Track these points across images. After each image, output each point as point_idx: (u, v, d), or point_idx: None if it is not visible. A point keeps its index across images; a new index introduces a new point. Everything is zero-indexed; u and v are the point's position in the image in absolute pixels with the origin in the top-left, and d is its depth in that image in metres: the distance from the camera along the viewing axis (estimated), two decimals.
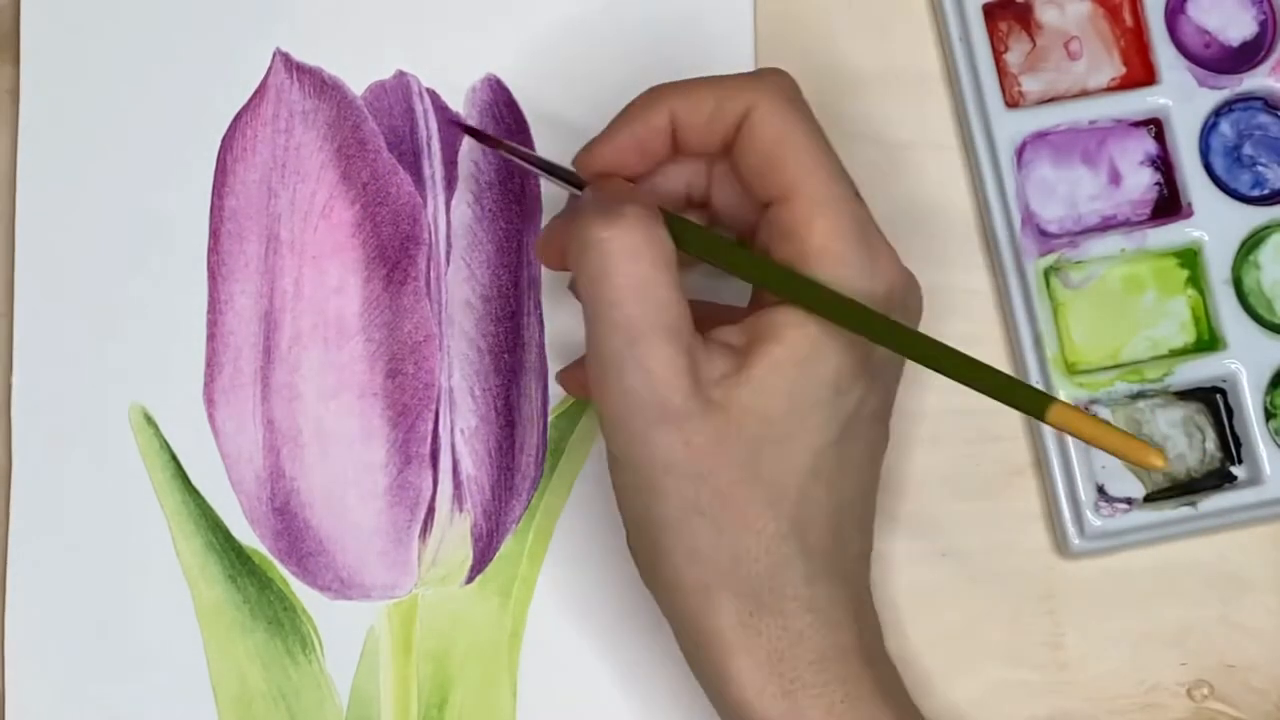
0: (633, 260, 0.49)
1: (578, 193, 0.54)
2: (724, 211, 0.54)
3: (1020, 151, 0.60)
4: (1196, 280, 0.60)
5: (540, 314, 0.60)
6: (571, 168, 0.54)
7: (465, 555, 0.59)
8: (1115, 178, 0.60)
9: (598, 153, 0.53)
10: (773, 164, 0.50)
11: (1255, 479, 0.58)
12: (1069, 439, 0.58)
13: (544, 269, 0.60)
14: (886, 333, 0.49)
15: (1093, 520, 0.58)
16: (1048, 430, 0.59)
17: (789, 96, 0.51)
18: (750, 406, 0.49)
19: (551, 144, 0.61)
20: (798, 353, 0.49)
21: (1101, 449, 0.46)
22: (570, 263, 0.50)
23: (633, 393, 0.49)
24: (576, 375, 0.58)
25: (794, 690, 0.49)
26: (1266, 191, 0.60)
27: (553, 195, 0.61)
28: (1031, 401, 0.47)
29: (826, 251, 0.50)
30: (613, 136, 0.52)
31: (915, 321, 0.53)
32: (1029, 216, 0.60)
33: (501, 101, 0.61)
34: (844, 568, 0.51)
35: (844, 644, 0.50)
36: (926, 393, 0.60)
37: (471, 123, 0.61)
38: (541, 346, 0.60)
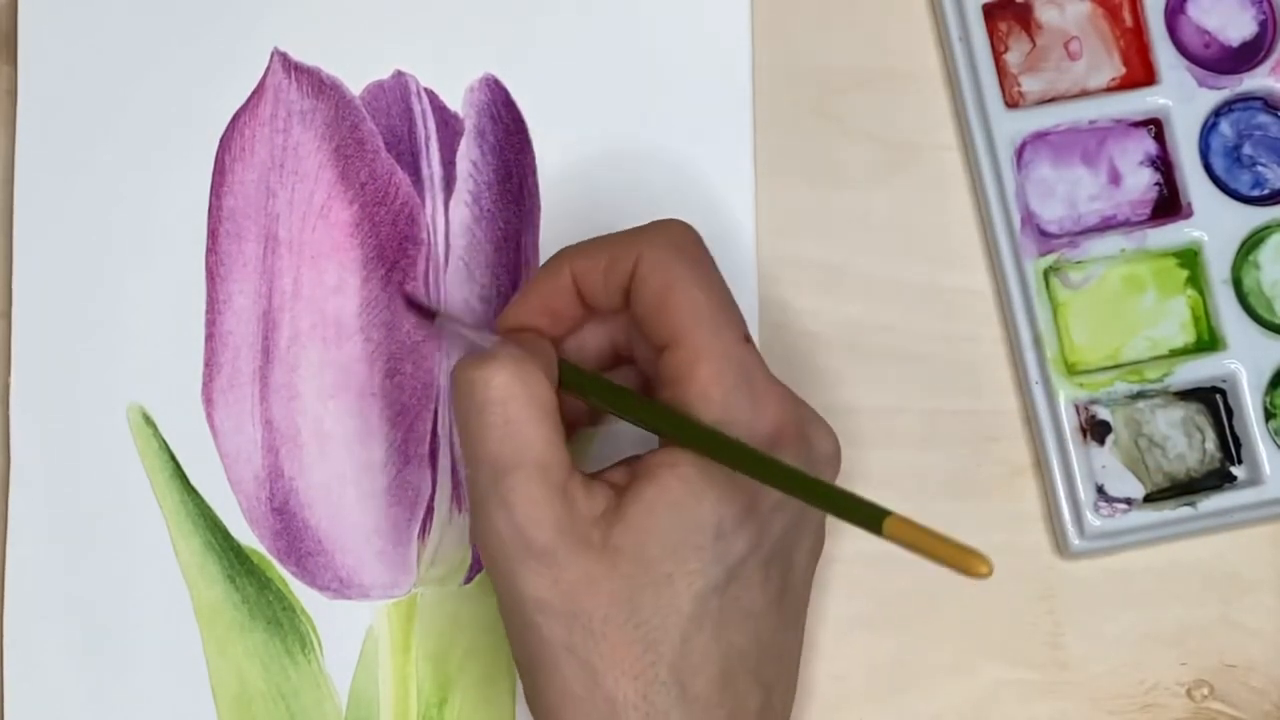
0: (500, 400, 0.49)
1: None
2: (645, 364, 0.54)
3: (1020, 151, 0.60)
4: (1196, 280, 0.60)
5: None
6: (493, 334, 0.55)
7: (464, 555, 0.59)
8: (1115, 178, 0.60)
9: (510, 314, 0.54)
10: (659, 312, 0.51)
11: (1255, 479, 0.58)
12: (1069, 439, 0.58)
13: None
14: (769, 471, 0.48)
15: (1092, 520, 0.58)
16: (1047, 430, 0.59)
17: (676, 245, 0.52)
18: (623, 546, 0.49)
19: (549, 143, 0.61)
20: (671, 494, 0.49)
21: (933, 560, 0.45)
22: (451, 402, 0.51)
23: (497, 529, 0.49)
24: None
25: None
26: (1266, 191, 0.60)
27: (553, 194, 0.60)
28: (867, 516, 0.46)
29: (706, 397, 0.50)
30: (522, 299, 0.54)
31: (827, 464, 0.52)
32: (1029, 216, 0.60)
33: (499, 101, 0.61)
34: None
35: None
36: (926, 393, 0.60)
37: (470, 122, 0.61)
38: None
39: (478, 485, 0.50)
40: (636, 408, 0.52)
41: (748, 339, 0.51)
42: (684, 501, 0.49)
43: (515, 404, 0.49)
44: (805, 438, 0.51)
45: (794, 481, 0.48)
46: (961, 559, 0.43)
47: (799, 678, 0.54)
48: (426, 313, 0.59)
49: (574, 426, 0.55)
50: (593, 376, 0.53)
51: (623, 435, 0.57)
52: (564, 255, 0.53)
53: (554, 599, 0.48)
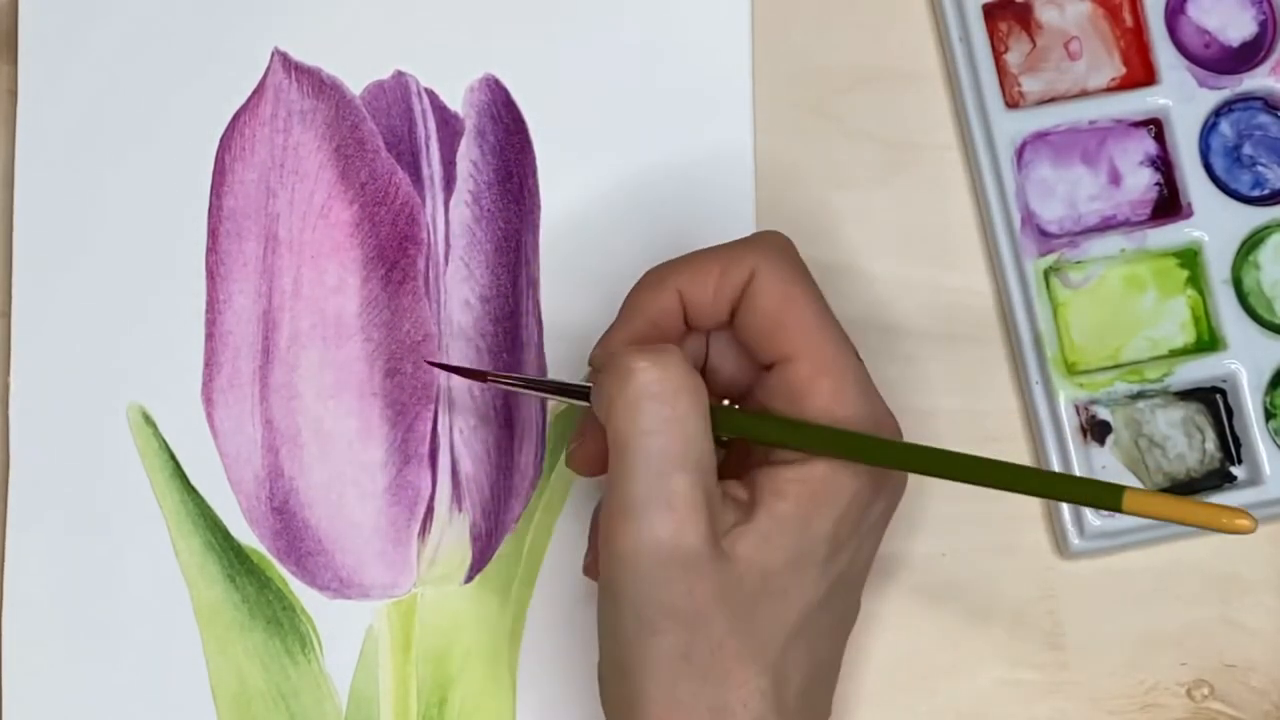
0: (671, 393, 0.49)
1: (585, 404, 0.53)
2: (720, 374, 0.54)
3: (1020, 152, 0.60)
4: (1196, 280, 0.60)
5: (539, 314, 0.60)
6: (576, 384, 0.53)
7: (464, 554, 0.59)
8: (1115, 178, 0.60)
9: (615, 338, 0.53)
10: (776, 327, 0.51)
11: (1255, 479, 0.58)
12: (1069, 439, 0.58)
13: (542, 270, 0.60)
14: (908, 458, 0.50)
15: (1093, 520, 0.58)
16: (1047, 430, 0.59)
17: (790, 259, 0.52)
18: (754, 559, 0.49)
19: (549, 143, 0.61)
20: (800, 509, 0.49)
21: (1187, 525, 0.45)
22: (604, 397, 0.49)
23: (651, 529, 0.48)
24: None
25: None
26: (1266, 191, 0.60)
27: (553, 195, 0.60)
28: (1105, 495, 0.46)
29: (830, 414, 0.50)
30: (626, 326, 0.53)
31: (897, 501, 0.53)
32: (1029, 216, 0.60)
33: (499, 101, 0.61)
34: None
35: None
36: (926, 393, 0.60)
37: (470, 122, 0.61)
38: (540, 347, 0.60)
39: (636, 479, 0.48)
40: (781, 428, 0.51)
41: (858, 355, 0.52)
42: (809, 517, 0.49)
43: (685, 399, 0.49)
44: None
45: (1004, 474, 0.49)
46: (1216, 518, 0.43)
47: None
48: (477, 375, 0.58)
49: None
50: (736, 408, 0.53)
51: None
52: (667, 274, 0.52)
53: (686, 607, 0.48)
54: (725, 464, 0.52)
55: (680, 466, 0.48)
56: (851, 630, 0.53)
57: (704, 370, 0.54)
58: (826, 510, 0.49)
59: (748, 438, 0.52)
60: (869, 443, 0.50)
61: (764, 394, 0.52)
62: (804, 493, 0.49)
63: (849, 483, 0.50)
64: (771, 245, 0.52)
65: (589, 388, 0.52)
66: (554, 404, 0.60)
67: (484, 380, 0.57)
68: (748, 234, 0.54)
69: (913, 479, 0.53)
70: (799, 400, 0.50)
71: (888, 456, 0.50)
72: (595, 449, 0.53)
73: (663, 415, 0.48)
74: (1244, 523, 0.43)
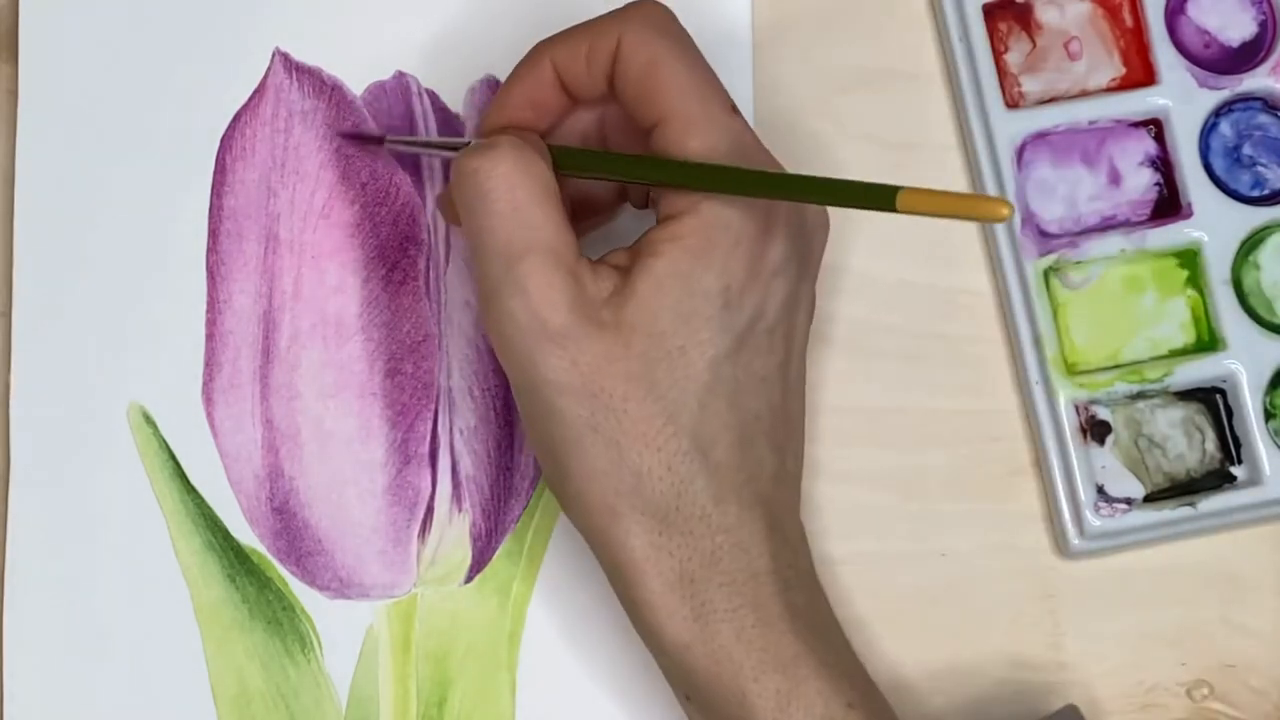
0: (507, 186, 0.50)
1: None
2: (631, 148, 0.54)
3: (1020, 152, 0.60)
4: (1196, 280, 0.60)
5: None
6: (462, 139, 0.56)
7: (464, 555, 0.59)
8: (1115, 178, 0.60)
9: (493, 114, 0.54)
10: (644, 91, 0.51)
11: (1255, 479, 0.58)
12: (1069, 439, 0.58)
13: None
14: (777, 185, 0.50)
15: (1092, 520, 0.58)
16: (1047, 430, 0.59)
17: (655, 23, 0.52)
18: (636, 323, 0.50)
19: None
20: (677, 265, 0.50)
21: (954, 218, 0.45)
22: (454, 197, 0.51)
23: (513, 315, 0.50)
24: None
25: (705, 614, 0.50)
26: (1266, 192, 0.60)
27: None
28: (878, 197, 0.46)
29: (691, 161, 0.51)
30: (504, 96, 0.54)
31: (818, 230, 0.53)
32: (1029, 217, 0.60)
33: None
34: (757, 489, 0.51)
35: (756, 568, 0.50)
36: (927, 393, 0.60)
37: (470, 123, 0.61)
38: None
39: (489, 276, 0.50)
40: (637, 165, 0.52)
41: (735, 109, 0.52)
42: (690, 272, 0.50)
43: (521, 190, 0.50)
44: (797, 205, 0.52)
45: (803, 187, 0.49)
46: (978, 207, 0.43)
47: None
48: (373, 139, 0.60)
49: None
50: (584, 150, 0.54)
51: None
52: (542, 47, 0.54)
53: (574, 380, 0.49)
54: None
55: (526, 251, 0.49)
56: (799, 381, 0.53)
57: (600, 143, 0.55)
58: (706, 260, 0.50)
59: (600, 177, 0.53)
60: (704, 171, 0.50)
61: None
62: (678, 249, 0.50)
63: (726, 230, 0.50)
64: (639, 12, 0.53)
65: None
66: None
67: (381, 144, 0.59)
68: None
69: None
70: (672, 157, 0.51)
71: (722, 182, 0.50)
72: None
73: (498, 210, 0.50)
74: (1003, 209, 0.43)
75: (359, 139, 0.60)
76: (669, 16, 0.53)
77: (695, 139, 0.51)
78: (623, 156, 0.54)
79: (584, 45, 0.52)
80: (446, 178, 0.60)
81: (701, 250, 0.50)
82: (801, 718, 0.49)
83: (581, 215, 0.55)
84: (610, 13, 0.53)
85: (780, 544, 0.51)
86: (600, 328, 0.49)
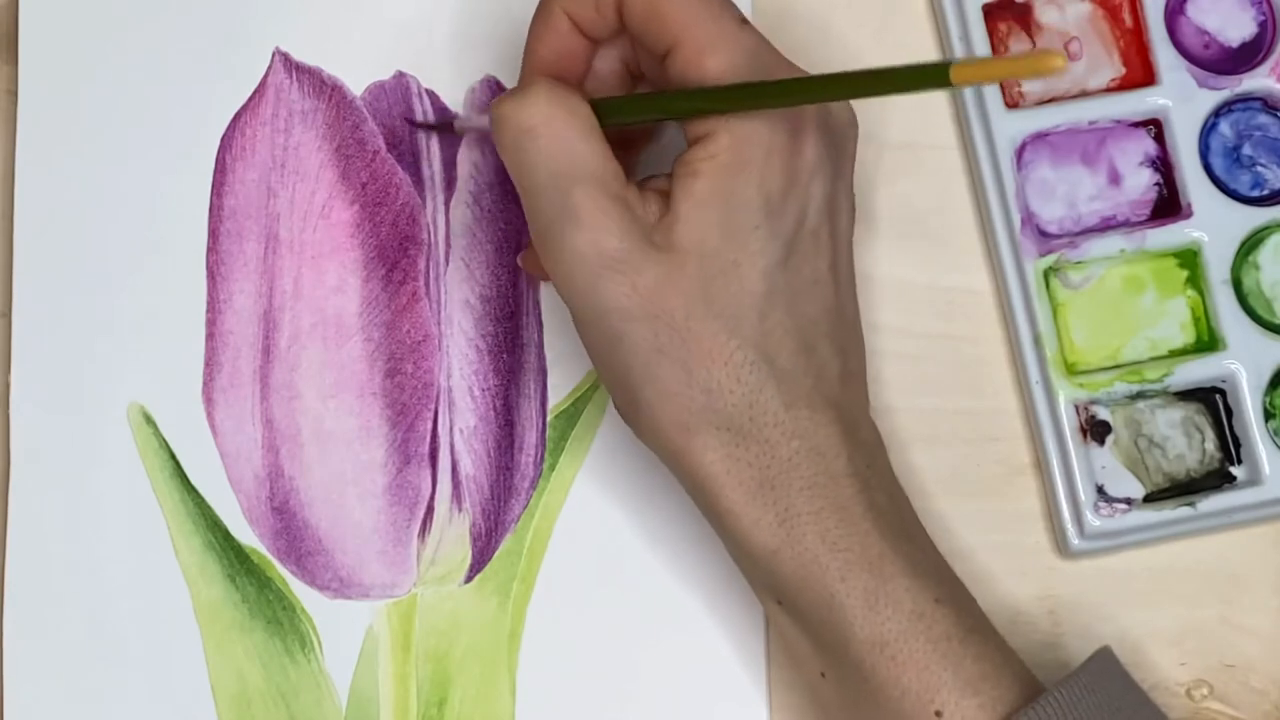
0: (546, 121, 0.51)
1: None
2: (656, 81, 0.55)
3: (1020, 152, 0.60)
4: (1196, 281, 0.60)
5: (539, 314, 0.60)
6: None
7: (464, 554, 0.59)
8: (1115, 178, 0.61)
9: (525, 76, 0.54)
10: (652, 18, 0.51)
11: (1255, 479, 0.58)
12: (1069, 439, 0.58)
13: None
14: (817, 88, 0.49)
15: (1092, 520, 0.58)
16: (1047, 430, 0.59)
17: None
18: (687, 244, 0.50)
19: None
20: (716, 183, 0.50)
21: (1014, 77, 0.44)
22: (496, 143, 0.52)
23: (570, 246, 0.50)
24: (534, 256, 0.58)
25: (789, 518, 0.50)
26: (1266, 192, 0.60)
27: None
28: (931, 76, 0.45)
29: (722, 85, 0.51)
30: (531, 55, 0.54)
31: (848, 129, 0.53)
32: (1029, 217, 0.60)
33: None
34: (825, 390, 0.51)
35: (834, 470, 0.51)
36: (927, 393, 0.60)
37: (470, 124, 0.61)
38: (540, 346, 0.60)
39: (542, 212, 0.51)
40: (671, 101, 0.52)
41: (745, 21, 0.52)
42: (730, 188, 0.50)
43: (560, 122, 0.51)
44: (823, 107, 0.52)
45: (852, 85, 0.48)
46: (1032, 65, 0.43)
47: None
48: (444, 126, 0.60)
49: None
50: (617, 98, 0.54)
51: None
52: (548, 2, 0.54)
53: (635, 305, 0.50)
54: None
55: (575, 182, 0.50)
56: (850, 279, 0.54)
57: (633, 77, 0.55)
58: (744, 175, 0.50)
59: (638, 121, 0.54)
60: (743, 90, 0.50)
61: (669, 88, 0.53)
62: (714, 166, 0.50)
63: (758, 142, 0.50)
64: None
65: None
66: (554, 404, 0.60)
67: (452, 130, 0.60)
68: None
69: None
70: (693, 83, 0.51)
71: (765, 97, 0.50)
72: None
73: (542, 146, 0.51)
74: (1057, 61, 0.42)
75: (429, 127, 0.60)
76: None
77: (712, 59, 0.51)
78: (658, 94, 0.54)
79: None
80: (447, 180, 0.60)
81: (737, 165, 0.50)
82: (890, 615, 0.50)
83: (624, 144, 0.55)
84: None
85: (855, 446, 0.51)
86: (655, 250, 0.50)
